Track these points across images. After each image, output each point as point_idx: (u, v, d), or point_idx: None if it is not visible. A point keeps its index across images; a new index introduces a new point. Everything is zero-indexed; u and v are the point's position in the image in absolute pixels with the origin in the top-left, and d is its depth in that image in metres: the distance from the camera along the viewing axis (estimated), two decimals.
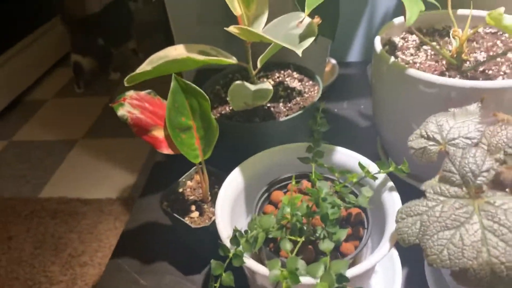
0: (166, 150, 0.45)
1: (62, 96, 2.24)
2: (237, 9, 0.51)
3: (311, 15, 0.49)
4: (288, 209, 0.37)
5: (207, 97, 0.45)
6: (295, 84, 0.63)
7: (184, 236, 0.53)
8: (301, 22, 0.42)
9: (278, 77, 0.65)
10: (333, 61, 0.89)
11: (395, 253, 0.48)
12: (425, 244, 0.31)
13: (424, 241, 0.32)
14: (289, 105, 0.58)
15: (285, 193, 0.46)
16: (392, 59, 0.51)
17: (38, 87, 2.33)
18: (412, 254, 0.48)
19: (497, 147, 0.38)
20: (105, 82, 2.23)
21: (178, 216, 0.49)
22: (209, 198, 0.52)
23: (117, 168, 1.63)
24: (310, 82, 0.63)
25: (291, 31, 0.42)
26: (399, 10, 0.52)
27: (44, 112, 2.12)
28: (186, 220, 0.49)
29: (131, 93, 0.46)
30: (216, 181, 0.54)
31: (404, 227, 0.33)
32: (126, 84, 0.51)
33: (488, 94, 0.45)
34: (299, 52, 0.38)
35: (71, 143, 1.85)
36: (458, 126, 0.40)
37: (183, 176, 0.55)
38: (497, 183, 0.35)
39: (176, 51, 0.55)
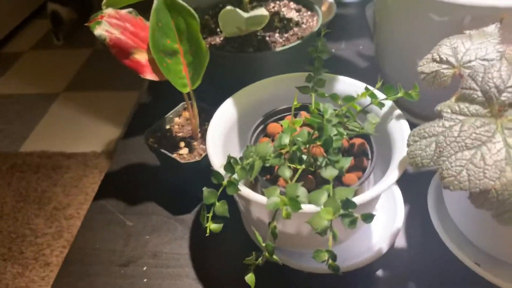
0: (151, 76, 0.40)
1: (40, 48, 2.12)
2: None
3: None
4: (287, 136, 0.33)
5: (196, 15, 0.39)
6: (292, 14, 0.58)
7: (172, 174, 0.50)
8: None
9: (274, 7, 0.59)
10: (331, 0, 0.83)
11: (397, 190, 0.45)
12: (442, 166, 0.28)
13: (440, 163, 0.29)
14: (286, 35, 0.53)
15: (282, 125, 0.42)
16: None
17: (14, 39, 2.19)
18: (414, 192, 0.46)
19: None
20: (86, 33, 2.11)
21: (165, 152, 0.45)
22: (199, 135, 0.48)
23: (102, 122, 1.57)
24: (309, 13, 0.58)
25: None
26: None
27: (22, 65, 2.01)
28: (175, 157, 0.45)
29: (109, 10, 0.40)
30: (207, 118, 0.50)
31: (417, 149, 0.30)
32: (104, 8, 0.45)
33: (508, 13, 0.41)
34: None
35: (52, 96, 1.77)
36: (475, 47, 0.37)
37: (170, 112, 0.51)
38: None
39: None
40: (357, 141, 0.39)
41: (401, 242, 0.43)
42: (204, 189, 0.32)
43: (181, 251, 0.45)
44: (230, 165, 0.32)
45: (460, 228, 0.41)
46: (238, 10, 0.51)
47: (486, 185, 0.26)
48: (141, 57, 0.40)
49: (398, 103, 0.40)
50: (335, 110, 0.40)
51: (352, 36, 0.76)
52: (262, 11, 0.49)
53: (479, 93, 0.30)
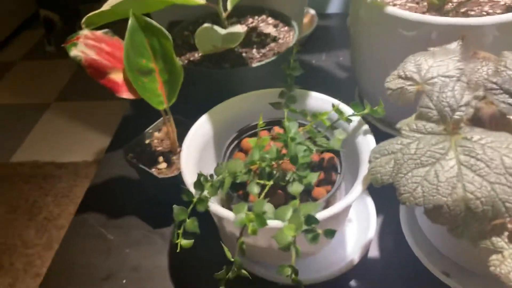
0: (126, 95, 0.42)
1: (31, 58, 2.12)
2: None
3: None
4: (256, 153, 0.34)
5: (169, 35, 0.41)
6: (270, 29, 0.59)
7: (152, 189, 0.51)
8: None
9: (252, 23, 0.61)
10: (312, 11, 0.84)
11: (370, 201, 0.46)
12: (399, 183, 0.30)
13: (398, 180, 0.30)
14: (262, 51, 0.55)
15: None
16: None
17: (5, 49, 2.20)
18: (387, 202, 0.48)
19: (477, 84, 0.35)
20: None
21: (143, 167, 0.46)
22: (178, 149, 0.49)
23: (93, 131, 1.58)
24: (286, 28, 0.59)
25: None
26: None
27: (13, 75, 2.01)
28: (153, 171, 0.46)
29: (85, 32, 0.41)
30: (185, 132, 0.51)
31: (377, 166, 0.31)
32: (84, 28, 0.46)
33: (469, 32, 0.42)
34: None
35: (43, 106, 1.77)
36: (437, 65, 0.38)
37: (150, 127, 0.52)
38: (476, 120, 0.33)
39: None
40: (327, 155, 0.40)
41: (374, 253, 0.45)
42: (174, 206, 0.33)
43: (161, 264, 0.46)
44: (199, 182, 0.33)
45: (430, 239, 0.42)
46: (215, 27, 0.53)
47: (439, 201, 0.28)
48: (117, 76, 0.41)
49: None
50: (304, 126, 0.42)
51: (332, 47, 0.78)
52: (238, 28, 0.51)
53: (435, 112, 0.31)
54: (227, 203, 0.42)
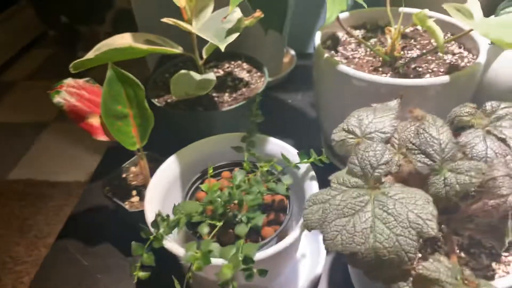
0: (102, 137, 0.47)
1: (34, 78, 2.20)
2: (180, 1, 0.53)
3: (255, 8, 0.50)
4: (208, 197, 0.39)
5: (141, 86, 0.46)
6: (244, 74, 0.65)
7: (125, 219, 0.55)
8: (225, 17, 0.43)
9: (228, 67, 0.66)
10: (292, 52, 0.90)
11: (321, 238, 0.51)
12: (324, 230, 0.34)
13: (323, 227, 0.34)
14: (234, 95, 0.60)
15: (217, 180, 0.48)
16: (326, 54, 0.53)
17: (10, 68, 2.28)
18: None
19: (405, 142, 0.40)
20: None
21: (117, 200, 0.50)
22: None
23: (87, 152, 1.63)
24: (258, 74, 0.65)
25: (223, 25, 0.44)
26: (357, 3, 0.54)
27: (15, 94, 2.08)
28: (126, 205, 0.51)
29: (68, 80, 0.47)
30: (158, 167, 0.56)
31: (309, 213, 0.36)
32: (72, 71, 0.52)
33: (412, 91, 0.48)
34: (222, 47, 0.40)
35: (42, 126, 1.83)
36: (376, 121, 0.43)
37: (127, 162, 0.57)
38: (400, 176, 0.38)
39: (122, 40, 0.56)
40: (278, 197, 0.45)
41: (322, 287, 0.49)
42: (132, 243, 0.37)
43: None
44: (156, 222, 0.38)
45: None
46: (191, 73, 0.58)
47: (353, 249, 0.32)
48: (95, 121, 0.47)
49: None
50: (256, 171, 0.46)
51: (309, 87, 0.83)
52: (211, 76, 0.57)
53: (359, 168, 0.36)
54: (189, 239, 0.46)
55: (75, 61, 0.51)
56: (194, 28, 0.43)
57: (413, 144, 0.37)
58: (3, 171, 1.59)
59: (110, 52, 0.51)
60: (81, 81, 0.47)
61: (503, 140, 0.35)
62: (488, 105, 0.38)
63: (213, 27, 0.45)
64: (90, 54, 0.53)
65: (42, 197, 1.45)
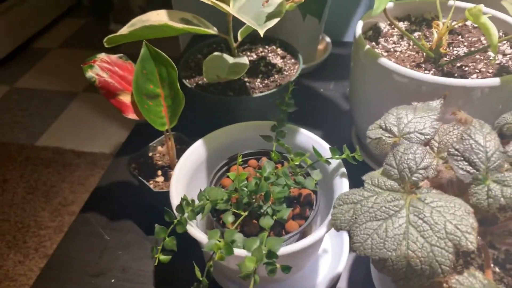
0: (132, 116, 0.46)
1: (67, 46, 2.23)
2: None
3: None
4: (234, 185, 0.38)
5: (175, 66, 0.45)
6: (277, 60, 0.63)
7: (149, 198, 0.55)
8: (267, 0, 0.42)
9: (262, 52, 0.65)
10: (328, 39, 0.87)
11: (346, 236, 0.49)
12: (353, 232, 0.33)
13: (353, 229, 0.33)
14: (266, 81, 0.59)
15: (244, 168, 0.47)
16: (367, 46, 0.50)
17: (45, 35, 2.32)
18: None
19: (446, 146, 0.38)
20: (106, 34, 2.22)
21: (142, 179, 0.50)
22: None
23: (114, 124, 1.65)
24: (292, 60, 0.63)
25: (263, 8, 0.42)
26: None
27: (48, 61, 2.12)
28: (150, 184, 0.51)
29: (102, 55, 0.46)
30: (186, 149, 0.55)
31: (339, 213, 0.35)
32: (106, 46, 0.51)
33: (456, 91, 0.45)
34: (261, 32, 0.38)
35: (72, 95, 1.87)
36: (416, 120, 0.41)
37: (154, 141, 0.56)
38: (438, 182, 0.36)
39: (158, 17, 0.55)
40: (305, 191, 0.43)
41: (341, 286, 0.48)
42: (156, 225, 0.37)
43: (147, 269, 0.50)
44: (181, 207, 0.37)
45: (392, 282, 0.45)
46: (224, 55, 0.57)
47: (384, 255, 0.31)
48: (126, 98, 0.46)
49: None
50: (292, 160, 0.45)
51: (342, 76, 0.80)
52: (244, 60, 0.55)
53: (396, 171, 0.34)
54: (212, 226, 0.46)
55: (109, 36, 0.50)
56: (233, 9, 0.41)
57: (456, 150, 0.35)
58: (32, 137, 1.64)
59: (145, 29, 0.50)
60: (114, 57, 0.47)
61: None
62: None
63: (253, 9, 0.43)
64: (125, 30, 0.52)
65: (68, 165, 1.48)
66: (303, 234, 0.44)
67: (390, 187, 0.34)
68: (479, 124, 0.36)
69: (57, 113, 1.77)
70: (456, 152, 0.35)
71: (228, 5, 0.51)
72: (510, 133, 0.36)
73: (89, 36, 2.23)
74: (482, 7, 0.44)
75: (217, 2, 0.43)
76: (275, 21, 0.40)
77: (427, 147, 0.40)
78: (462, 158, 0.34)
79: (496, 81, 0.44)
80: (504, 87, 0.44)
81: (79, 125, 1.69)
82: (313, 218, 0.41)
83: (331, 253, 0.49)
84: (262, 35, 0.38)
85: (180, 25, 0.51)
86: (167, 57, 0.45)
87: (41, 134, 1.66)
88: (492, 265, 0.37)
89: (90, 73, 0.44)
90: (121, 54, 0.48)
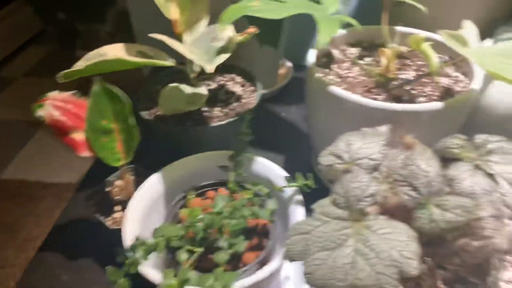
0: (86, 153, 0.46)
1: (33, 75, 2.18)
2: (172, 14, 0.52)
3: (250, 23, 0.49)
4: (188, 221, 0.38)
5: (128, 102, 0.45)
6: (237, 88, 0.64)
7: (107, 236, 0.54)
8: (214, 38, 0.43)
9: (221, 80, 0.66)
10: (289, 63, 0.89)
11: None
12: (305, 263, 0.33)
13: (305, 259, 0.33)
14: (225, 110, 0.59)
15: (202, 200, 0.47)
16: (318, 74, 0.52)
17: (9, 64, 2.27)
18: None
19: (393, 171, 0.39)
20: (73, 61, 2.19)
21: (98, 217, 0.49)
22: None
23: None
24: (252, 88, 0.64)
25: (213, 44, 0.43)
26: (357, 16, 0.53)
27: (13, 90, 2.07)
28: (109, 220, 0.50)
29: (54, 93, 0.46)
30: (143, 181, 0.55)
31: (291, 244, 0.35)
32: (61, 81, 0.51)
33: (403, 116, 0.47)
34: (209, 69, 0.39)
35: (37, 124, 1.82)
36: (366, 146, 0.42)
37: (112, 176, 0.55)
38: (387, 207, 0.37)
39: (114, 51, 0.55)
40: (262, 221, 0.44)
41: None
42: (107, 268, 0.36)
43: None
44: (133, 246, 0.37)
45: None
46: (182, 86, 0.57)
47: (333, 285, 0.31)
48: (78, 136, 0.46)
49: None
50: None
51: (303, 100, 0.82)
52: (202, 90, 0.56)
53: (343, 199, 0.35)
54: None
55: (65, 71, 0.50)
56: (182, 47, 0.42)
57: (401, 175, 0.36)
58: None
59: (101, 63, 0.50)
60: (67, 94, 0.46)
61: (492, 176, 0.34)
62: (479, 138, 0.37)
63: (203, 45, 0.44)
64: (81, 64, 0.51)
65: (33, 198, 1.43)
66: (263, 264, 0.44)
67: (338, 216, 0.35)
68: (421, 149, 0.37)
69: (22, 144, 1.71)
70: (401, 178, 0.36)
71: (182, 38, 0.51)
72: (450, 157, 0.38)
73: (55, 64, 2.19)
74: (423, 34, 0.47)
75: (167, 39, 0.43)
76: (224, 57, 0.41)
77: (377, 172, 0.41)
78: (406, 183, 0.35)
79: (439, 105, 0.46)
80: (448, 110, 0.47)
81: (45, 155, 1.64)
82: (271, 248, 0.41)
83: (293, 280, 0.49)
84: (210, 71, 0.39)
85: (135, 59, 0.51)
86: (119, 92, 0.45)
87: (6, 166, 1.60)
88: (442, 285, 0.38)
89: (39, 113, 0.44)
90: (75, 91, 0.47)
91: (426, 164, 0.35)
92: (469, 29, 0.45)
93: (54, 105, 0.45)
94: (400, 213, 0.36)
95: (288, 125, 0.76)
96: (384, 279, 0.30)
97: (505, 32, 0.49)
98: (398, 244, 0.31)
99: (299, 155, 0.68)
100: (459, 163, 0.36)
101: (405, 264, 0.30)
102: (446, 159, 0.39)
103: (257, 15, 0.37)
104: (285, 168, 0.67)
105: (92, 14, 2.27)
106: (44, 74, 2.17)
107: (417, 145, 0.39)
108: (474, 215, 0.30)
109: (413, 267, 0.30)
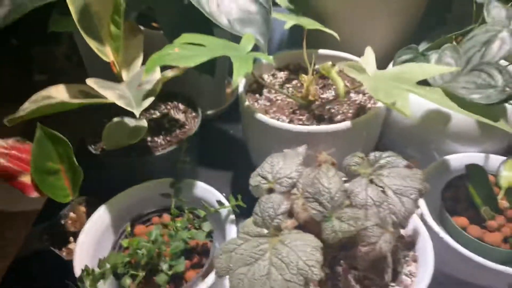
0: (35, 194, 0.49)
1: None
2: (108, 55, 0.56)
3: None
4: (132, 248, 0.43)
5: (70, 144, 0.49)
6: (179, 115, 0.69)
7: (62, 268, 0.58)
8: (139, 85, 0.47)
9: (164, 109, 0.70)
10: None
11: None
12: (229, 278, 0.38)
13: (229, 275, 0.39)
14: (168, 138, 0.64)
15: (147, 226, 0.52)
16: (246, 102, 0.58)
17: None
18: None
19: (304, 189, 0.45)
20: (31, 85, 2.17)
21: (53, 249, 0.53)
22: None
23: None
24: (193, 114, 0.69)
25: (140, 88, 0.48)
26: (294, 38, 0.59)
27: None
28: (63, 252, 0.54)
29: None
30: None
31: (219, 262, 0.40)
32: (8, 125, 0.54)
33: (322, 135, 0.53)
34: (136, 113, 0.43)
35: None
36: (285, 166, 0.48)
37: (66, 208, 0.59)
38: (299, 222, 0.43)
39: (57, 92, 0.59)
40: (201, 242, 0.49)
41: None
42: None
43: None
44: (81, 278, 0.41)
45: None
46: (125, 119, 0.62)
47: None
48: (27, 179, 0.49)
49: None
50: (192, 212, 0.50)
51: None
52: (143, 123, 0.60)
53: (260, 219, 0.41)
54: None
55: (10, 117, 0.53)
56: (111, 94, 0.46)
57: (309, 192, 0.42)
58: None
59: (44, 107, 0.54)
60: (10, 140, 0.50)
61: (382, 188, 0.41)
62: (372, 155, 0.44)
63: (132, 89, 0.49)
64: (25, 108, 0.55)
65: None
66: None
67: (258, 233, 0.40)
68: (326, 168, 0.43)
69: None
70: (309, 194, 0.42)
71: (120, 78, 0.56)
72: (352, 173, 0.44)
73: (11, 91, 2.16)
74: (329, 63, 0.53)
75: (98, 89, 0.47)
76: (150, 100, 0.46)
77: (295, 189, 0.47)
78: (313, 200, 0.41)
79: (348, 124, 0.52)
80: (358, 127, 0.53)
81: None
82: (209, 265, 0.46)
83: None
84: (137, 116, 0.44)
85: (76, 101, 0.55)
86: (61, 136, 0.49)
87: None
88: (354, 283, 0.44)
89: None
90: (18, 137, 0.51)
91: (328, 182, 0.41)
92: (369, 55, 0.52)
93: None
94: (312, 226, 0.42)
95: (236, 142, 0.81)
96: (293, 286, 0.36)
97: (403, 55, 0.56)
98: (304, 254, 0.37)
99: (246, 172, 0.74)
100: (357, 178, 0.43)
101: (309, 272, 0.36)
102: (350, 175, 0.45)
103: (174, 63, 0.42)
104: (233, 185, 0.73)
105: (46, 37, 2.25)
106: (12, 99, 2.13)
107: (325, 163, 0.45)
108: (362, 225, 0.37)
109: (315, 273, 0.36)
